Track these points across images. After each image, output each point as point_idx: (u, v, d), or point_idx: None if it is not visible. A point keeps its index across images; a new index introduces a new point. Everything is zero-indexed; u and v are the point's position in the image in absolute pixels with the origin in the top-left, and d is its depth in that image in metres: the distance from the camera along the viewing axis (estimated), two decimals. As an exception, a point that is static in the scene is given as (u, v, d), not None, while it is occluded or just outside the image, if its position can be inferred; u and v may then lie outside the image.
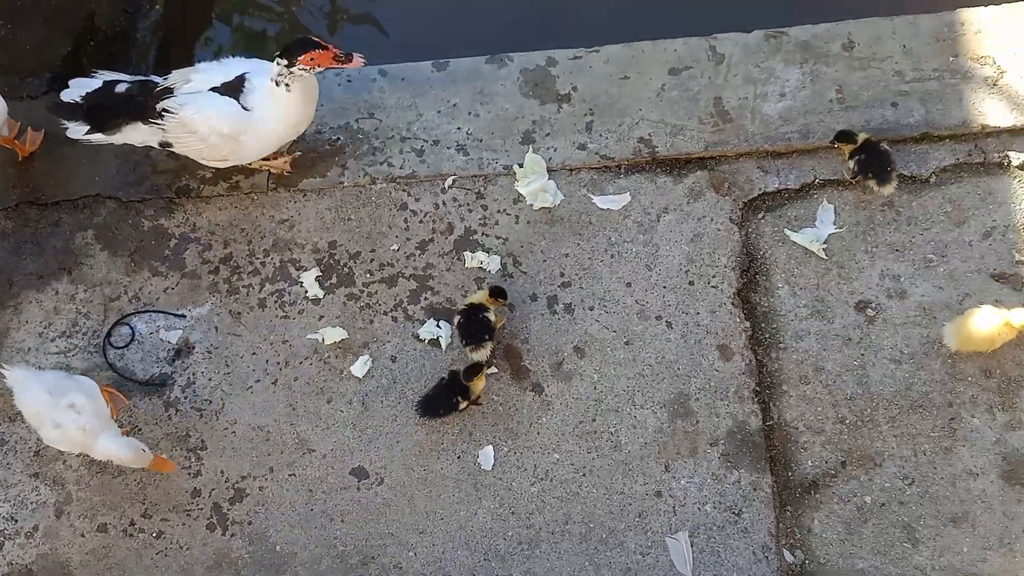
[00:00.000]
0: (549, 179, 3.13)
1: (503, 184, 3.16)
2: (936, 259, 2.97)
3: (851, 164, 3.00)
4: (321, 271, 3.09)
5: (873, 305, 2.94)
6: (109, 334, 3.07)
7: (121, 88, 2.99)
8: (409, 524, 2.79)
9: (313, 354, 2.99)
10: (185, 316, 3.07)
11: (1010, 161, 3.06)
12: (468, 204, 3.15)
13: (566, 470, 2.82)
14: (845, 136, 3.00)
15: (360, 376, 2.94)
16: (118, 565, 2.81)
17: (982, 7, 3.26)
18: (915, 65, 3.18)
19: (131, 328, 3.07)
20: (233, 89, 2.92)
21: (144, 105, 2.94)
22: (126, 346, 3.05)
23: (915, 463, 2.74)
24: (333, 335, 3.00)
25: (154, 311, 3.08)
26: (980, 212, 3.01)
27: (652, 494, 2.77)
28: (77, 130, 2.99)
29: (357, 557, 2.77)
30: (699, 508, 2.75)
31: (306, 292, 3.06)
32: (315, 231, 3.15)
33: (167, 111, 2.90)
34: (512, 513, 2.78)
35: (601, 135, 3.19)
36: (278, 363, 2.99)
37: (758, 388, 2.86)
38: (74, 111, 2.98)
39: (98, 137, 3.00)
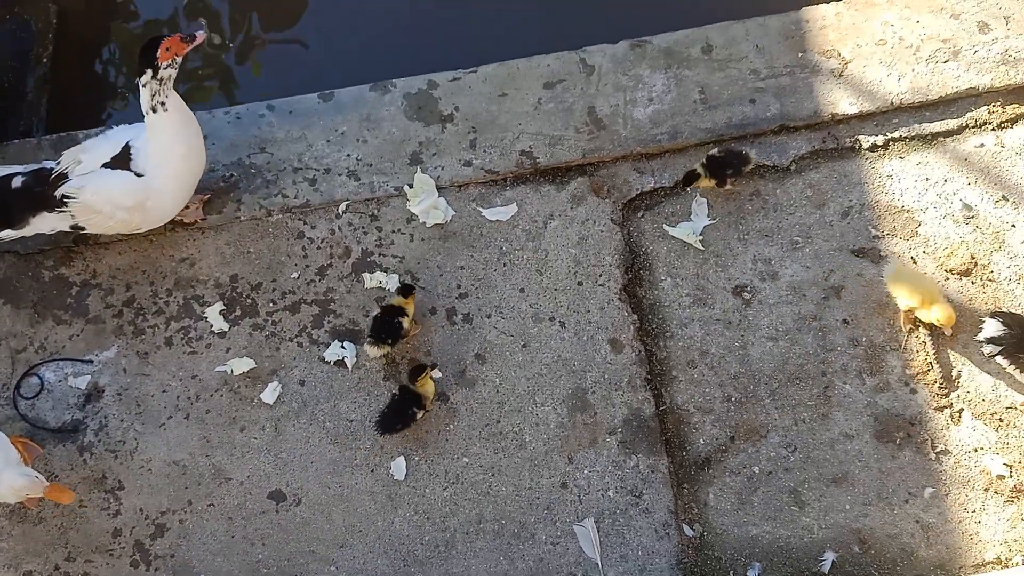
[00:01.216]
0: (439, 196, 3.21)
1: (396, 205, 3.23)
2: (802, 241, 3.14)
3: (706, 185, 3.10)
4: (225, 305, 3.11)
5: (749, 288, 3.09)
6: (18, 386, 3.03)
7: (17, 182, 2.93)
8: (329, 540, 2.83)
9: (223, 385, 3.01)
10: (92, 361, 3.06)
11: (861, 144, 3.25)
12: (363, 227, 3.21)
13: (476, 472, 2.89)
14: (690, 178, 3.08)
15: (271, 402, 2.97)
16: (44, 613, 2.80)
17: (825, 3, 3.47)
18: (768, 63, 3.36)
19: (39, 378, 3.04)
20: (122, 160, 2.91)
21: (43, 195, 2.91)
22: (36, 396, 3.02)
23: (796, 431, 2.90)
24: (241, 365, 3.02)
25: (61, 359, 3.06)
26: (838, 194, 3.20)
27: (558, 486, 2.87)
28: None
29: (280, 578, 2.81)
30: (603, 494, 2.85)
31: (211, 326, 3.08)
32: (216, 266, 3.17)
33: (67, 197, 2.88)
34: (427, 519, 2.85)
35: (485, 151, 3.28)
36: (189, 398, 3.00)
37: (649, 376, 2.99)
38: None
39: (7, 233, 2.95)
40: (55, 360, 3.06)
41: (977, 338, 2.84)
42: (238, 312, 3.11)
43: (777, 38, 3.40)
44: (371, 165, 3.28)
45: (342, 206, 3.22)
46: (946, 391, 2.91)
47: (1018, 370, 2.81)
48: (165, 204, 2.98)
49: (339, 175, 3.26)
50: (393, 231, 3.19)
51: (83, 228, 2.98)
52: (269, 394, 2.97)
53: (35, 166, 3.00)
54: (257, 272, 3.15)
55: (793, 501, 2.82)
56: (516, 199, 3.23)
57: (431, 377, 2.89)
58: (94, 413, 3.00)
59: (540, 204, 3.22)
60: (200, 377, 3.03)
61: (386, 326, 2.92)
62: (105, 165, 2.91)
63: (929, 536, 2.76)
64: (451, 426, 2.95)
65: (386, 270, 3.12)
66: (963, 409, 2.89)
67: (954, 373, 2.93)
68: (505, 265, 3.14)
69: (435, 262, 3.15)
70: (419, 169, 3.25)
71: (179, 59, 2.83)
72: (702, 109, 3.30)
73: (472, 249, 3.16)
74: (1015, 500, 2.79)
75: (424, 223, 3.19)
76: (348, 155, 3.29)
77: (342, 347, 3.03)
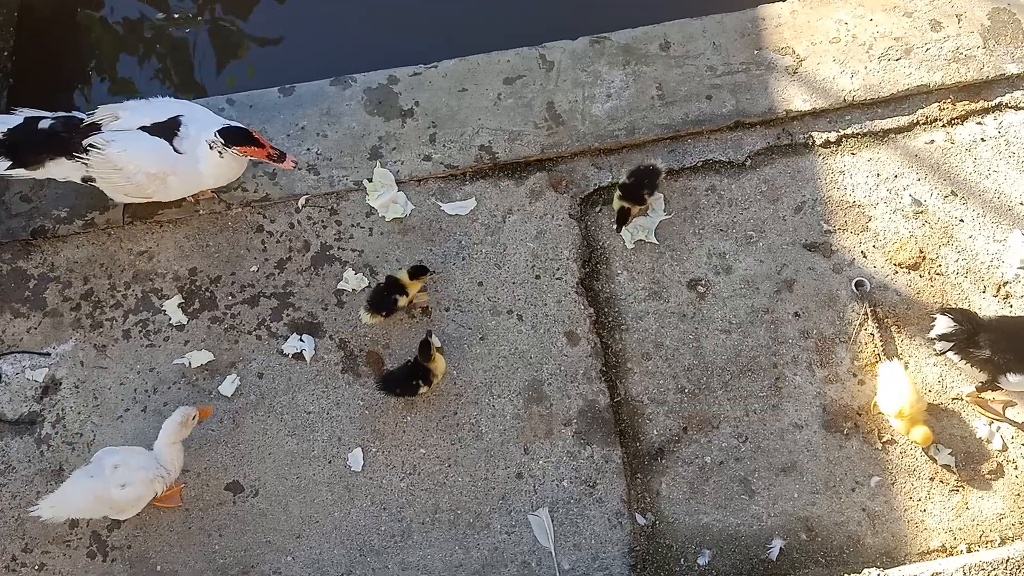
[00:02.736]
0: (398, 191, 3.17)
1: (355, 199, 3.18)
2: (756, 235, 3.13)
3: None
4: (183, 298, 3.06)
5: (703, 282, 3.08)
6: (-26, 379, 2.98)
7: (44, 124, 2.87)
8: (286, 530, 2.80)
9: (181, 378, 2.96)
10: (50, 354, 3.00)
11: (814, 141, 3.25)
12: (323, 221, 3.16)
13: (432, 463, 2.87)
14: (623, 215, 3.03)
15: (229, 395, 2.93)
16: (0, 605, 2.75)
17: (781, 1, 3.46)
18: (725, 60, 3.34)
19: (-4, 371, 3.00)
20: (165, 130, 2.85)
21: (69, 141, 2.84)
22: (-8, 389, 2.98)
23: (747, 422, 2.89)
24: (200, 358, 2.97)
25: (18, 352, 3.00)
26: (791, 189, 3.19)
27: (514, 476, 2.85)
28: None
29: (237, 568, 2.76)
30: (557, 484, 2.83)
31: (170, 319, 3.03)
32: (175, 260, 3.12)
33: (94, 147, 2.81)
34: (384, 509, 2.82)
35: (444, 146, 3.25)
36: (146, 390, 2.95)
37: (604, 368, 2.97)
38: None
39: (20, 172, 2.88)
40: (12, 353, 2.99)
41: (928, 335, 2.83)
42: (197, 305, 3.06)
43: (734, 35, 3.38)
44: (331, 159, 3.23)
45: (302, 200, 3.17)
46: (893, 382, 2.92)
47: (969, 365, 2.81)
48: (185, 187, 2.96)
49: (299, 169, 3.20)
50: (352, 225, 3.15)
51: (93, 180, 2.90)
52: (227, 386, 2.93)
53: (65, 114, 2.92)
54: (216, 265, 3.10)
55: (743, 490, 2.82)
56: (475, 194, 3.20)
57: (436, 344, 2.84)
58: (51, 406, 2.94)
59: (499, 199, 3.19)
60: (158, 370, 2.97)
61: (383, 299, 2.90)
62: (143, 128, 2.84)
63: (875, 524, 2.77)
64: (408, 417, 2.92)
65: (346, 264, 3.10)
66: (909, 400, 2.91)
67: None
68: (464, 259, 3.11)
69: (394, 256, 3.11)
70: (378, 163, 3.21)
71: (249, 158, 2.85)
72: (659, 105, 3.28)
73: (431, 243, 3.13)
74: (960, 489, 2.80)
75: (383, 217, 3.15)
76: (308, 149, 3.25)
77: (300, 340, 2.99)
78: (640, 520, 2.78)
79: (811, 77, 3.30)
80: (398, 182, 3.19)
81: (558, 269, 3.08)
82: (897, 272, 3.04)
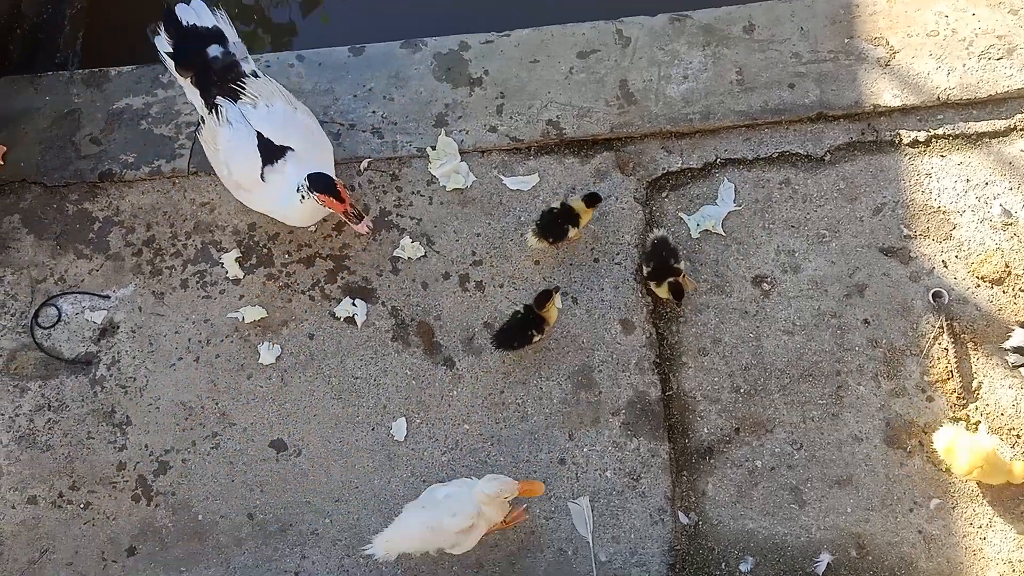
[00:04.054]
0: (461, 161, 3.03)
1: (417, 166, 3.05)
2: (829, 234, 2.91)
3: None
4: (241, 252, 2.98)
5: (769, 279, 2.88)
6: (36, 315, 2.95)
7: (212, 52, 2.73)
8: (325, 493, 2.73)
9: (234, 332, 2.90)
10: (109, 297, 2.96)
11: (901, 139, 2.99)
12: (383, 186, 3.04)
13: (475, 440, 2.76)
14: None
15: (269, 363, 2.83)
16: (48, 535, 2.73)
17: (878, -10, 3.19)
18: (812, 47, 3.09)
19: (57, 309, 2.96)
20: (270, 154, 2.68)
21: (211, 86, 2.72)
22: (52, 326, 2.94)
23: (804, 429, 2.71)
24: (253, 314, 2.90)
25: (79, 292, 2.97)
26: (872, 189, 2.95)
27: (556, 462, 2.72)
28: (163, 44, 2.77)
29: (276, 525, 2.70)
30: (600, 474, 2.70)
31: (227, 272, 2.96)
32: (235, 214, 3.04)
33: (217, 108, 2.70)
34: (423, 481, 2.72)
35: (511, 117, 3.08)
36: (200, 341, 2.90)
37: (658, 360, 2.81)
38: (173, 27, 2.74)
39: (171, 64, 2.78)
40: (74, 293, 2.97)
41: (1003, 346, 2.61)
42: (253, 261, 2.98)
43: (823, 21, 3.13)
44: (396, 124, 3.10)
45: (364, 163, 3.06)
46: (964, 402, 2.69)
47: None
48: (257, 207, 2.82)
49: (363, 131, 3.09)
50: (412, 192, 3.03)
51: (201, 128, 2.79)
52: (267, 354, 2.84)
53: (240, 55, 2.78)
54: (275, 222, 3.00)
55: (793, 499, 2.65)
56: (539, 169, 3.04)
57: (555, 304, 2.71)
58: (108, 348, 2.91)
59: (563, 176, 3.03)
60: (212, 322, 2.92)
61: (555, 225, 2.77)
62: (260, 134, 2.67)
63: (931, 548, 2.57)
64: (454, 392, 2.81)
65: (403, 232, 2.98)
66: (980, 421, 2.68)
67: (975, 384, 2.70)
68: (522, 236, 2.95)
69: (452, 227, 2.99)
70: (443, 132, 3.06)
71: (322, 206, 2.67)
72: (738, 91, 3.06)
73: (490, 217, 2.99)
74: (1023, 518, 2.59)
75: (444, 187, 3.02)
76: (374, 112, 3.12)
77: (353, 304, 2.89)
78: (683, 519, 2.64)
79: (904, 71, 3.03)
80: (461, 152, 3.05)
81: (618, 254, 2.92)
82: (979, 286, 2.80)
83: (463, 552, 2.50)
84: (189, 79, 2.75)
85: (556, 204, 2.80)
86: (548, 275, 2.89)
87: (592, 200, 2.80)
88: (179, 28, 2.73)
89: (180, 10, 2.78)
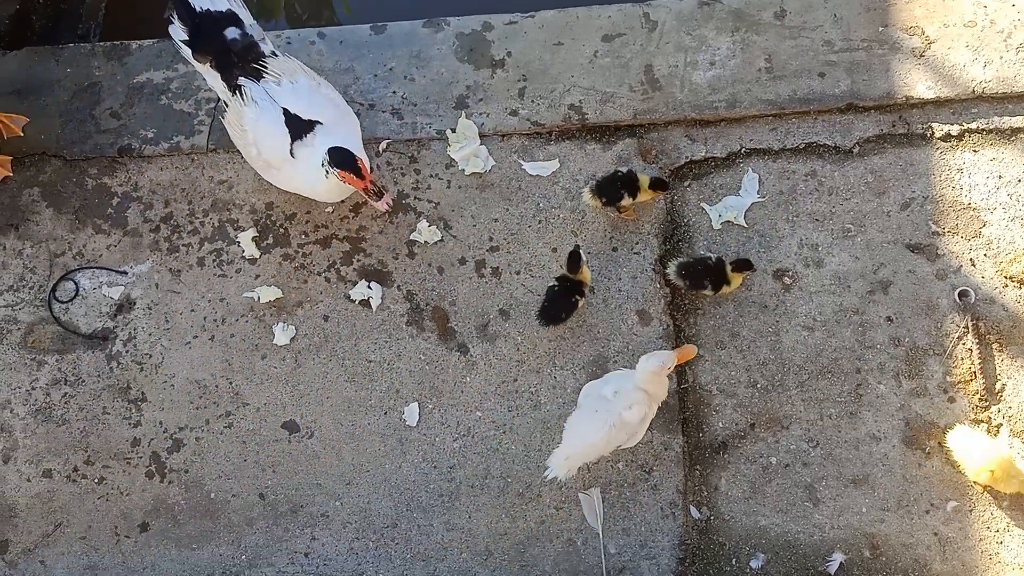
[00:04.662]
0: (481, 144, 2.98)
1: (436, 149, 3.01)
2: (854, 229, 2.84)
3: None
4: (258, 231, 2.97)
5: (790, 273, 2.82)
6: (54, 289, 2.96)
7: (230, 35, 2.67)
8: (336, 475, 2.73)
9: (249, 312, 2.90)
10: (127, 273, 2.97)
11: (933, 132, 2.91)
12: (402, 168, 3.01)
13: (487, 427, 2.74)
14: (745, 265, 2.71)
15: (283, 344, 2.82)
16: (62, 508, 2.76)
17: (916, -23, 3.09)
18: (844, 35, 3.00)
19: (75, 284, 2.97)
20: (298, 128, 2.63)
21: (233, 67, 2.67)
22: (70, 301, 2.95)
23: (820, 426, 2.66)
24: (268, 294, 2.89)
25: (97, 267, 2.98)
26: (900, 183, 2.88)
27: (568, 451, 2.71)
28: (178, 32, 2.72)
29: (287, 505, 2.71)
30: (612, 466, 2.67)
31: (243, 252, 2.95)
32: (253, 192, 3.02)
33: (240, 92, 2.65)
34: (434, 467, 2.72)
35: (533, 101, 3.03)
36: (215, 320, 2.90)
37: (675, 352, 2.78)
38: (187, 15, 2.68)
39: (188, 52, 2.74)
40: (91, 268, 2.98)
41: None
42: (270, 240, 2.97)
43: (858, 8, 3.03)
44: (415, 105, 3.06)
45: (383, 144, 3.02)
46: (987, 404, 2.64)
47: None
48: (285, 185, 2.79)
49: (383, 112, 3.05)
50: (431, 175, 2.99)
51: (225, 112, 2.76)
52: (281, 335, 2.83)
53: (258, 36, 2.73)
54: (292, 202, 2.99)
55: (808, 497, 2.61)
56: (559, 155, 2.99)
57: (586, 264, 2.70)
58: (124, 324, 2.92)
59: (584, 162, 2.98)
60: (228, 301, 2.91)
61: (612, 187, 2.74)
62: (286, 111, 2.63)
63: (946, 551, 2.53)
64: (468, 378, 2.79)
65: (420, 215, 2.95)
66: (1002, 424, 2.62)
67: (998, 386, 2.65)
68: (540, 222, 2.92)
69: (470, 211, 2.95)
70: (463, 114, 3.02)
71: (343, 182, 2.63)
72: (766, 78, 2.98)
73: (509, 202, 2.95)
74: (1044, 525, 2.54)
75: (463, 170, 2.97)
76: (394, 92, 3.08)
77: (368, 287, 2.87)
78: (695, 513, 2.62)
79: (939, 62, 2.94)
80: (481, 135, 3.00)
81: (637, 243, 2.87)
82: (1007, 286, 2.73)
83: (635, 444, 2.55)
84: (208, 64, 2.70)
85: (624, 169, 2.79)
86: (565, 263, 2.85)
87: (656, 184, 2.76)
88: (193, 14, 2.67)
89: None
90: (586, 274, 2.73)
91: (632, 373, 2.42)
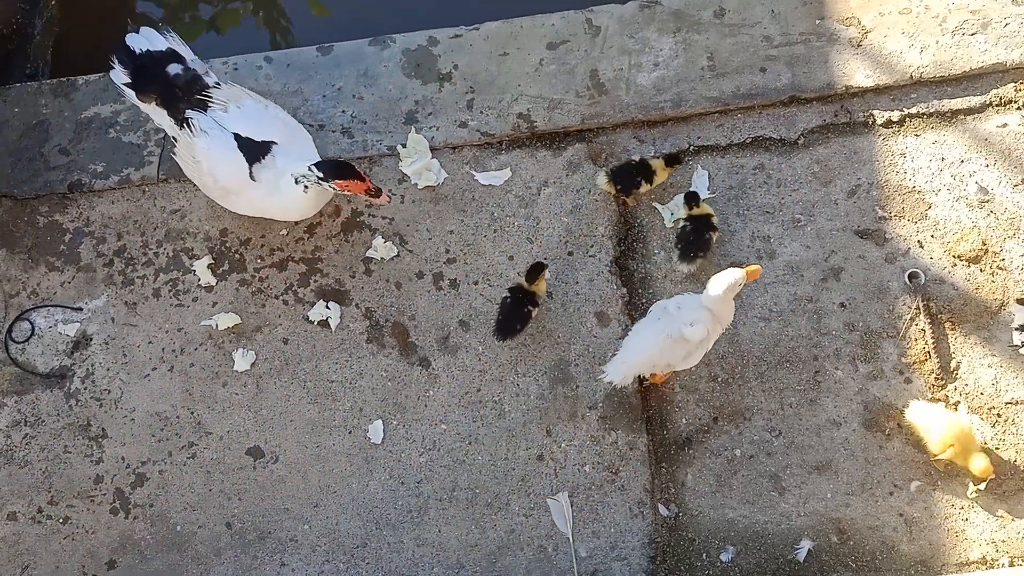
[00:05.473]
0: (432, 158, 3.03)
1: (388, 165, 3.05)
2: (804, 219, 2.90)
3: (678, 224, 2.84)
4: (213, 259, 2.98)
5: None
6: (10, 330, 2.96)
7: (173, 71, 2.72)
8: (303, 499, 2.74)
9: (208, 340, 2.91)
10: (82, 309, 2.97)
11: (875, 120, 2.98)
12: (354, 186, 3.05)
13: (453, 439, 2.76)
14: (692, 197, 2.83)
15: (243, 370, 2.84)
16: (28, 551, 2.74)
17: (849, -31, 3.17)
18: (783, 29, 3.08)
19: (31, 323, 2.96)
20: (254, 151, 2.67)
21: (178, 102, 2.71)
22: (26, 340, 2.95)
23: (782, 416, 2.71)
24: (226, 320, 2.90)
25: (52, 305, 2.98)
26: (846, 171, 2.94)
27: (535, 458, 2.72)
28: (119, 76, 2.76)
29: (254, 533, 2.71)
30: (579, 469, 2.70)
31: (199, 280, 2.96)
32: (206, 220, 3.04)
33: (188, 125, 2.69)
34: (402, 483, 2.73)
35: (482, 112, 3.08)
36: (174, 350, 2.91)
37: (635, 351, 2.82)
38: (128, 58, 2.73)
39: (130, 95, 2.77)
40: (46, 306, 2.98)
41: (1012, 325, 2.58)
42: (226, 266, 2.98)
43: (795, 3, 3.11)
44: (365, 123, 3.10)
45: (333, 164, 3.06)
46: (943, 382, 2.69)
47: None
48: (249, 209, 2.83)
49: (332, 132, 3.08)
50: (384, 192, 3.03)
51: (175, 147, 2.79)
52: (241, 362, 2.85)
53: (201, 70, 2.77)
54: (246, 227, 3.01)
55: (773, 486, 2.65)
56: (511, 164, 3.03)
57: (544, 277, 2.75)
58: (82, 360, 2.92)
59: (535, 170, 3.02)
60: (186, 330, 2.92)
61: (628, 174, 2.84)
62: (238, 135, 2.67)
63: (912, 531, 2.58)
64: (431, 392, 2.81)
65: (376, 232, 2.98)
66: (959, 402, 2.67)
67: (953, 364, 2.70)
68: (495, 231, 2.96)
69: (425, 225, 2.98)
70: (413, 129, 3.06)
71: (346, 194, 2.73)
72: (709, 77, 3.05)
73: (463, 213, 2.98)
74: (1006, 499, 2.59)
75: (416, 185, 3.01)
76: (343, 111, 3.11)
77: (327, 307, 2.89)
78: (663, 511, 2.64)
79: (876, 51, 3.02)
80: (432, 149, 3.04)
81: (592, 246, 2.91)
82: (955, 265, 2.79)
83: (690, 367, 2.59)
84: (154, 102, 2.74)
85: (636, 157, 2.90)
86: (522, 271, 2.88)
87: (671, 160, 2.86)
88: (133, 57, 2.72)
89: (131, 40, 2.76)
90: (541, 286, 2.77)
91: (696, 296, 2.48)
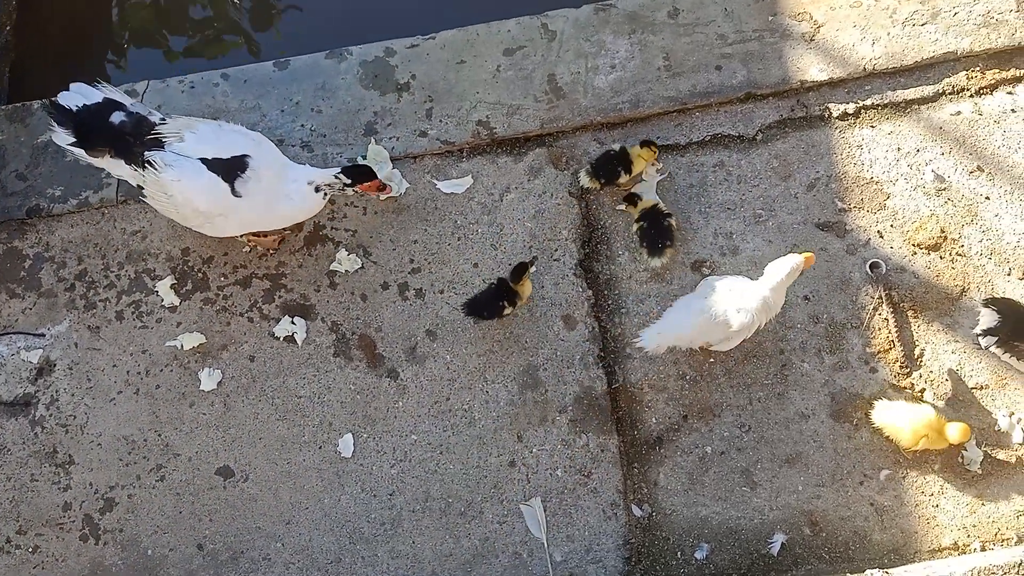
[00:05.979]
0: (393, 168, 3.04)
1: (348, 177, 3.07)
2: (765, 214, 2.94)
3: (634, 228, 2.87)
4: (176, 278, 2.97)
5: (708, 263, 2.89)
6: (-28, 359, 2.95)
7: (117, 119, 2.67)
8: (275, 516, 2.73)
9: (173, 360, 2.89)
10: (44, 335, 2.94)
11: (831, 113, 3.02)
12: (315, 200, 3.05)
13: (424, 450, 2.76)
14: (631, 198, 2.87)
15: (209, 389, 2.83)
16: (-2, 584, 2.74)
17: (799, -35, 3.21)
18: (737, 27, 3.11)
19: (-8, 351, 2.96)
20: (228, 169, 2.65)
21: (132, 148, 2.67)
22: (-11, 370, 2.94)
23: (751, 411, 2.73)
24: (191, 340, 2.89)
25: (14, 333, 2.95)
26: (804, 165, 2.98)
27: (506, 464, 2.73)
28: (63, 138, 2.71)
29: (227, 553, 2.70)
30: (551, 473, 2.71)
31: (162, 300, 2.95)
32: (168, 240, 3.03)
33: (151, 165, 2.65)
34: (374, 496, 2.73)
35: (441, 121, 3.09)
36: (139, 373, 2.89)
37: (603, 353, 2.82)
38: (66, 117, 2.68)
39: (80, 153, 2.73)
40: (8, 334, 2.95)
41: (974, 331, 2.61)
42: (189, 286, 2.97)
43: (747, 0, 3.15)
44: (325, 136, 3.10)
45: (294, 178, 3.06)
46: (908, 370, 2.72)
47: (1015, 359, 2.60)
48: (238, 227, 2.81)
49: (292, 146, 3.08)
50: (346, 204, 3.02)
51: (143, 192, 2.75)
52: (208, 381, 2.84)
53: (143, 111, 2.73)
54: (209, 245, 3.00)
55: (745, 482, 2.67)
56: (472, 171, 3.04)
57: (530, 278, 2.76)
58: (46, 387, 2.89)
59: (496, 176, 3.04)
60: (150, 352, 2.90)
61: (609, 166, 2.87)
62: (204, 160, 2.65)
63: (884, 519, 2.60)
64: (400, 403, 2.81)
65: (339, 245, 2.98)
66: (925, 389, 2.71)
67: (917, 352, 2.73)
68: (459, 239, 2.97)
69: (388, 236, 2.98)
70: (373, 140, 3.06)
71: (359, 194, 2.81)
72: (666, 76, 3.08)
73: (426, 223, 2.99)
74: (975, 484, 2.62)
75: (377, 196, 3.03)
76: (302, 125, 3.12)
77: (292, 323, 2.89)
78: (636, 511, 2.65)
79: (829, 45, 3.06)
80: (393, 159, 3.04)
81: (556, 250, 2.93)
82: (915, 253, 2.83)
83: (728, 349, 2.61)
84: (108, 155, 2.70)
85: (616, 147, 2.92)
86: (488, 277, 2.90)
87: (648, 143, 2.90)
88: (71, 115, 2.67)
89: (64, 99, 2.70)
90: (526, 289, 2.77)
91: (749, 281, 2.50)
